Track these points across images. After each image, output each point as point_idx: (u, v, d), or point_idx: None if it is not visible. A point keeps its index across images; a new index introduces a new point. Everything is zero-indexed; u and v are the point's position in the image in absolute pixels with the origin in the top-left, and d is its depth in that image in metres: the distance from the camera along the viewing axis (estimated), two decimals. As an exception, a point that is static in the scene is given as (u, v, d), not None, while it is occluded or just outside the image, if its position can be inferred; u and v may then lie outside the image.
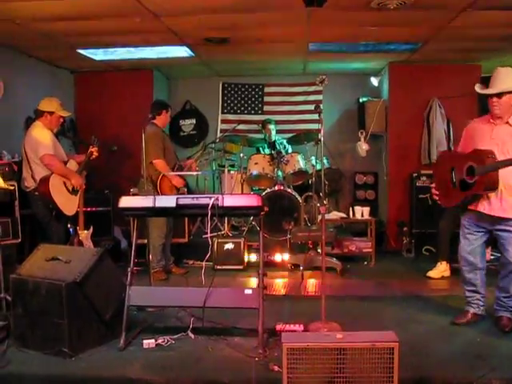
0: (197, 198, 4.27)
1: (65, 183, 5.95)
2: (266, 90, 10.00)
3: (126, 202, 4.40)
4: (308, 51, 7.94)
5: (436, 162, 6.17)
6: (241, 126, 9.00)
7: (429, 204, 7.74)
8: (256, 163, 7.99)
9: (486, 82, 8.04)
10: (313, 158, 7.70)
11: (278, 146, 8.85)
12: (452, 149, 8.28)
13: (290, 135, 8.83)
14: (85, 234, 6.24)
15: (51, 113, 6.05)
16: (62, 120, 6.29)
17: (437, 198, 4.81)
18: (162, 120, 6.67)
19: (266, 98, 10.01)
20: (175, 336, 4.38)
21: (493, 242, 6.66)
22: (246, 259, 7.18)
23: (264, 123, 9.05)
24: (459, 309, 5.13)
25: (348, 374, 3.05)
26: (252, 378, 3.62)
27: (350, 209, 7.95)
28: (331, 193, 8.71)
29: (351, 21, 6.34)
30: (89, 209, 7.17)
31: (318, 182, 6.96)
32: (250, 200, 4.22)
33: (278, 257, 7.31)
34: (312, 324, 4.54)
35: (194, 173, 7.05)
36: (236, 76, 9.96)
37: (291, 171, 7.94)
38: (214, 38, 7.11)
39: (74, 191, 6.04)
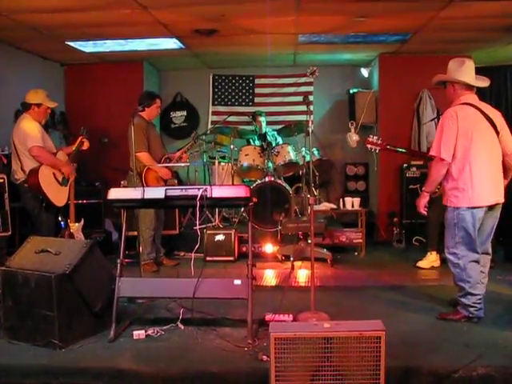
0: (185, 189, 4.29)
1: (54, 174, 5.95)
2: (257, 81, 10.01)
3: (115, 193, 4.41)
4: (298, 42, 7.94)
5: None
6: (231, 118, 8.96)
7: (419, 194, 7.76)
8: (246, 155, 7.99)
9: (476, 72, 8.07)
10: (303, 149, 7.71)
11: (268, 138, 8.85)
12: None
13: (281, 126, 8.85)
14: (76, 227, 6.25)
15: (39, 104, 6.03)
16: (49, 111, 6.28)
17: None
18: (150, 112, 6.60)
19: (257, 90, 10.01)
20: (165, 327, 4.40)
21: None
22: (236, 250, 7.18)
23: (254, 115, 9.03)
24: (448, 299, 5.18)
25: (335, 363, 3.07)
26: (241, 367, 3.65)
27: (341, 200, 7.98)
28: (322, 184, 8.73)
29: (340, 12, 6.34)
30: (80, 201, 7.17)
31: (308, 173, 6.98)
32: (238, 191, 4.24)
33: (269, 248, 7.33)
34: (301, 314, 4.56)
35: (182, 164, 7.01)
36: (226, 68, 9.94)
37: (282, 162, 7.94)
38: (203, 30, 7.10)
39: (63, 182, 6.04)
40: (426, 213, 4.86)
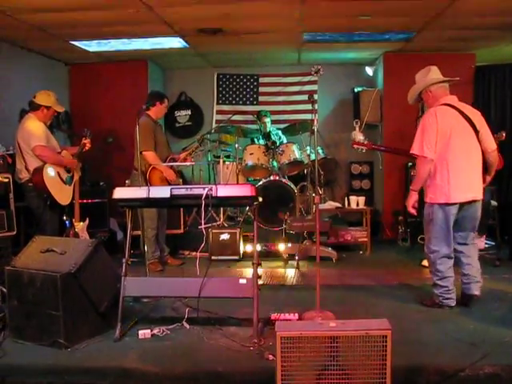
0: (191, 188, 4.28)
1: (59, 173, 5.95)
2: (261, 80, 10.00)
3: (120, 192, 4.41)
4: (302, 41, 7.93)
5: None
6: (236, 117, 8.95)
7: (424, 193, 7.75)
8: (251, 154, 7.97)
9: (480, 70, 8.09)
10: (308, 148, 7.70)
11: (273, 137, 8.84)
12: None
13: (285, 125, 8.84)
14: (80, 226, 6.26)
15: (48, 107, 6.05)
16: (56, 114, 6.31)
17: None
18: (156, 111, 6.63)
19: (261, 89, 10.01)
20: (170, 326, 4.40)
21: (489, 230, 6.74)
22: (241, 249, 7.18)
23: (259, 115, 9.01)
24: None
25: (341, 362, 3.06)
26: (247, 367, 3.65)
27: (346, 198, 7.97)
28: (326, 183, 8.72)
29: (345, 10, 6.33)
30: (84, 201, 7.18)
31: (313, 171, 6.96)
32: (243, 190, 4.23)
33: (274, 247, 7.32)
34: (307, 313, 4.56)
35: (188, 163, 7.03)
36: (231, 67, 9.94)
37: (286, 161, 7.92)
38: (207, 29, 7.10)
39: (67, 181, 6.05)
40: (415, 212, 4.99)
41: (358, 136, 8.22)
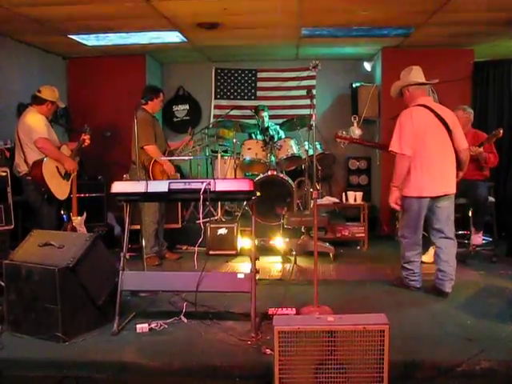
0: (189, 182, 4.28)
1: (57, 168, 5.95)
2: (259, 75, 9.98)
3: (118, 187, 4.39)
4: (300, 36, 7.92)
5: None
6: (234, 112, 8.93)
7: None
8: (249, 148, 7.98)
9: (479, 66, 8.10)
10: (306, 143, 7.71)
11: (271, 132, 8.84)
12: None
13: (283, 120, 8.83)
14: (78, 220, 6.26)
15: (53, 102, 6.07)
16: (57, 109, 6.33)
17: None
18: (153, 106, 6.62)
19: (259, 84, 9.99)
20: (168, 320, 4.42)
21: (486, 226, 6.75)
22: (239, 244, 7.19)
23: (257, 110, 9.01)
24: (451, 292, 5.18)
25: (339, 357, 3.07)
26: (244, 361, 3.66)
27: (343, 194, 7.99)
28: (324, 178, 8.73)
29: (343, 5, 6.32)
30: (82, 195, 7.18)
31: (310, 167, 6.96)
32: (241, 184, 4.22)
33: (271, 242, 7.33)
34: (304, 308, 4.57)
35: (186, 158, 7.04)
36: (229, 61, 9.92)
37: (284, 156, 7.92)
38: (205, 23, 7.08)
39: (66, 176, 6.05)
40: (398, 207, 5.32)
41: (356, 131, 8.25)
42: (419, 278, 5.38)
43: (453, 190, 5.21)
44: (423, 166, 5.09)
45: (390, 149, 5.21)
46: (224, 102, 10.02)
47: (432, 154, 5.09)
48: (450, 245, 5.24)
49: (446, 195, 5.17)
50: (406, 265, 5.40)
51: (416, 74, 5.33)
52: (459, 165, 5.30)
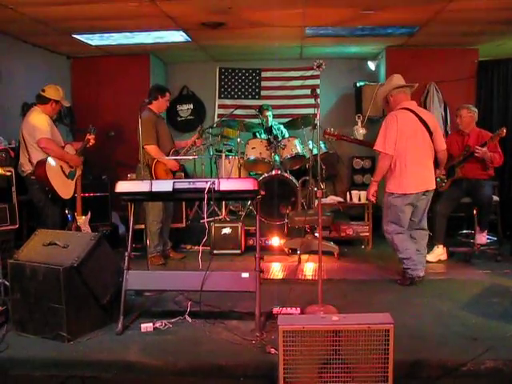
0: (193, 182, 4.28)
1: (61, 167, 5.96)
2: (263, 74, 9.98)
3: (122, 186, 4.40)
4: (305, 35, 7.91)
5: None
6: (238, 111, 8.93)
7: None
8: (253, 148, 7.98)
9: (483, 66, 8.11)
10: (310, 142, 7.70)
11: (275, 131, 8.83)
12: (449, 133, 8.29)
13: (287, 120, 8.83)
14: (83, 220, 6.26)
15: (57, 101, 6.07)
16: (61, 108, 6.34)
17: None
18: (158, 105, 6.62)
19: (263, 83, 9.99)
20: (173, 320, 4.42)
21: (491, 225, 6.74)
22: (243, 243, 7.18)
23: (261, 109, 9.01)
24: (455, 292, 5.19)
25: (344, 356, 3.06)
26: (249, 360, 3.66)
27: (348, 193, 7.97)
28: (328, 177, 8.72)
29: (348, 4, 6.31)
30: (86, 194, 7.18)
31: (315, 166, 6.96)
32: (246, 184, 4.23)
33: (276, 241, 7.33)
34: (309, 307, 4.57)
35: (191, 157, 7.04)
36: (233, 61, 9.92)
37: (288, 156, 7.92)
38: (209, 23, 7.08)
39: (70, 175, 6.05)
40: (374, 200, 5.74)
41: (360, 130, 8.24)
42: (420, 265, 5.63)
43: (433, 186, 5.62)
44: (407, 164, 5.44)
45: (374, 147, 5.61)
46: (228, 102, 10.03)
47: (415, 153, 5.46)
48: (423, 235, 5.75)
49: (427, 191, 5.56)
50: (401, 255, 5.65)
51: (397, 80, 5.72)
52: (438, 164, 5.81)
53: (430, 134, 5.55)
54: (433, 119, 5.76)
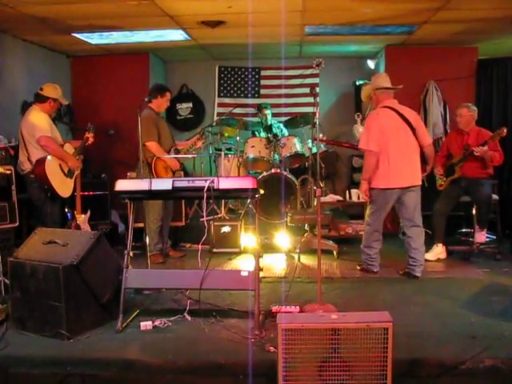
0: (193, 180, 4.30)
1: (60, 166, 5.96)
2: (263, 73, 9.99)
3: (122, 185, 4.41)
4: (304, 34, 7.91)
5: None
6: (237, 110, 8.93)
7: (424, 186, 7.75)
8: (253, 146, 7.98)
9: (482, 64, 8.11)
10: (309, 141, 7.70)
11: (274, 130, 8.83)
12: (448, 131, 8.30)
13: (287, 118, 8.84)
14: (82, 218, 6.27)
15: (55, 99, 6.07)
16: (60, 106, 6.32)
17: None
18: (158, 104, 6.63)
19: (263, 82, 9.99)
20: (172, 318, 4.42)
21: (490, 224, 6.74)
22: (242, 242, 7.18)
23: (260, 108, 9.01)
24: (454, 290, 5.20)
25: (342, 354, 3.07)
26: (248, 358, 3.66)
27: (347, 191, 7.97)
28: (328, 176, 8.72)
29: (347, 3, 6.31)
30: (86, 193, 7.18)
31: (314, 165, 6.97)
32: (245, 182, 4.23)
33: (275, 239, 7.33)
34: (308, 306, 4.57)
35: (190, 156, 7.04)
36: (232, 59, 9.92)
37: (288, 154, 7.92)
38: (209, 22, 7.08)
39: (69, 174, 6.05)
40: (368, 198, 5.93)
41: (360, 129, 8.24)
42: (376, 263, 6.02)
43: (418, 181, 5.80)
44: (390, 160, 5.66)
45: (359, 146, 5.89)
46: (227, 100, 10.03)
47: (397, 149, 5.67)
48: (419, 233, 5.85)
49: (412, 186, 5.74)
50: (365, 249, 6.03)
51: (383, 80, 5.94)
52: (426, 160, 5.97)
53: (413, 130, 5.75)
54: (415, 116, 5.91)
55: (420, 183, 5.82)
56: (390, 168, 5.67)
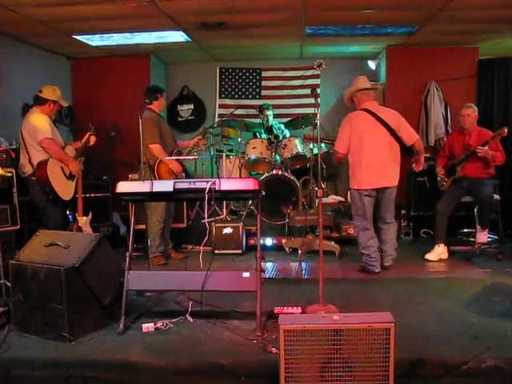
0: (194, 182, 4.28)
1: (62, 168, 5.97)
2: (264, 74, 9.98)
3: (123, 187, 4.40)
4: (305, 35, 7.91)
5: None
6: (238, 111, 8.94)
7: (426, 187, 7.77)
8: (254, 147, 7.99)
9: (483, 64, 8.11)
10: (310, 141, 7.70)
11: (275, 131, 8.83)
12: (450, 132, 8.29)
13: (288, 119, 8.83)
14: (84, 220, 6.27)
15: (55, 101, 6.08)
16: (60, 108, 6.33)
17: None
18: (159, 104, 6.66)
19: (264, 83, 9.99)
20: (174, 320, 4.42)
21: (491, 224, 6.74)
22: (244, 243, 7.18)
23: (261, 108, 9.01)
24: (456, 290, 5.19)
25: (345, 355, 3.07)
26: (250, 360, 3.66)
27: (348, 192, 7.95)
28: (329, 176, 8.71)
29: (348, 3, 6.31)
30: (87, 195, 7.19)
31: (315, 165, 6.97)
32: (246, 184, 4.22)
33: (277, 241, 7.32)
34: (310, 307, 4.56)
35: (192, 157, 7.05)
36: (233, 61, 9.92)
37: (289, 155, 7.93)
38: (210, 23, 7.08)
39: (70, 176, 6.07)
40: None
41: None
42: (377, 263, 6.03)
43: (392, 183, 5.97)
44: (362, 162, 5.86)
45: (334, 147, 6.16)
46: (228, 102, 10.03)
47: (370, 151, 5.83)
48: (389, 227, 6.13)
49: (385, 188, 5.93)
50: (362, 251, 6.10)
51: (363, 82, 6.09)
52: (418, 153, 6.11)
53: (392, 132, 5.86)
54: (394, 117, 5.99)
55: (395, 184, 5.99)
56: (362, 170, 5.87)
